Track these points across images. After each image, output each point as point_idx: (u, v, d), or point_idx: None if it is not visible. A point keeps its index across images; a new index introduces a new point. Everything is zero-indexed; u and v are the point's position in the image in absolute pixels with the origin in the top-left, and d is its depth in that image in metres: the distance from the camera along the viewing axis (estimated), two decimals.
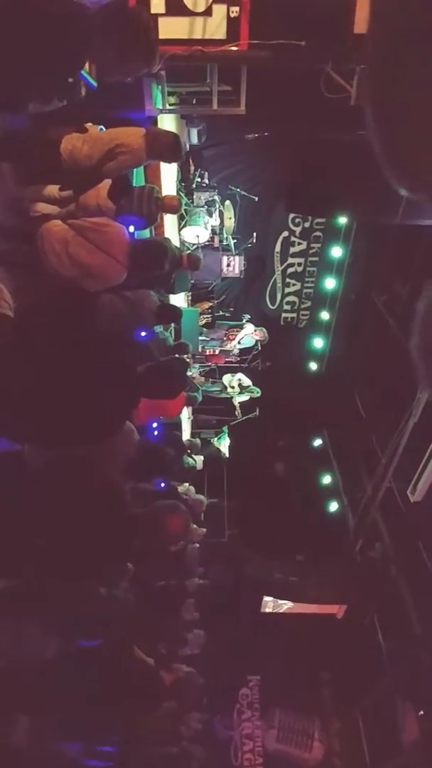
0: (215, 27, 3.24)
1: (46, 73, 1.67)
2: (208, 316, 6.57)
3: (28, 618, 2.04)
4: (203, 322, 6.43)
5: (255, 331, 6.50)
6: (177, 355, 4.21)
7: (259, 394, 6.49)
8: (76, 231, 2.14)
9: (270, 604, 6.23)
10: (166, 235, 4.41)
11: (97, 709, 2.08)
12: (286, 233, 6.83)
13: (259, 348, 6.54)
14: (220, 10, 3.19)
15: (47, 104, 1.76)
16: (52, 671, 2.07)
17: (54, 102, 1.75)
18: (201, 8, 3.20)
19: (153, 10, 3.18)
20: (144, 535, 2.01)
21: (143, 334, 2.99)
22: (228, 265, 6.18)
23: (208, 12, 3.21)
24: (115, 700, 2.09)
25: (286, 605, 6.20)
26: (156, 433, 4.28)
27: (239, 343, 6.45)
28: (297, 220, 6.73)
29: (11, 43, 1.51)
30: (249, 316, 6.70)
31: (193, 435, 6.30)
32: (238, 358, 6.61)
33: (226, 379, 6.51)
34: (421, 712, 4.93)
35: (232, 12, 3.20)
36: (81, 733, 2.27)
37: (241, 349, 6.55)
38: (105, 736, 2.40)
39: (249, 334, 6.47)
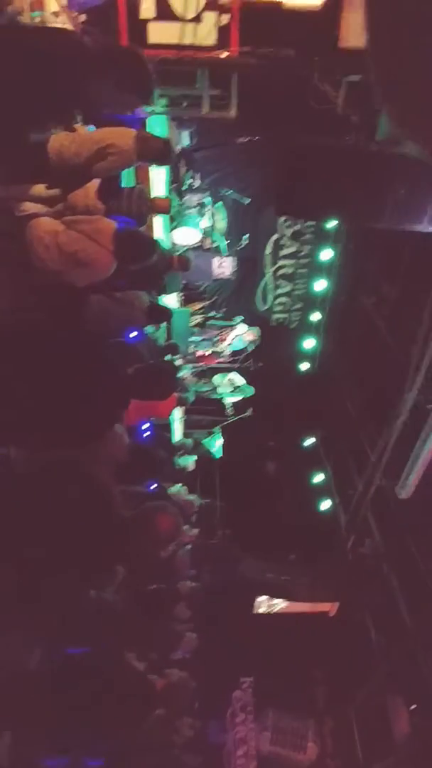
0: (206, 33, 3.30)
1: (45, 109, 1.70)
2: (200, 316, 6.59)
3: (10, 625, 2.01)
4: (195, 322, 6.45)
5: (248, 331, 6.54)
6: (167, 356, 4.21)
7: (251, 393, 6.53)
8: (66, 225, 2.14)
9: (263, 604, 6.24)
10: (157, 236, 4.42)
11: (85, 719, 2.05)
12: (276, 236, 6.90)
13: (251, 348, 6.58)
14: (209, 17, 3.25)
15: (44, 132, 1.79)
16: (36, 681, 2.04)
17: (51, 130, 1.79)
18: (191, 15, 3.25)
19: (143, 15, 3.22)
20: (135, 536, 2.01)
21: (133, 334, 2.99)
22: (219, 266, 6.22)
23: (197, 19, 3.26)
24: (104, 708, 2.06)
25: (278, 605, 6.22)
26: (147, 434, 4.27)
27: (230, 343, 6.48)
28: (287, 223, 6.81)
29: (13, 80, 1.53)
30: (242, 317, 6.74)
31: (185, 435, 6.29)
32: (230, 359, 6.64)
33: (218, 379, 6.53)
34: (413, 707, 4.98)
35: (222, 20, 3.25)
36: (68, 745, 2.22)
37: (232, 351, 6.57)
38: (93, 748, 2.35)
39: (241, 334, 6.50)
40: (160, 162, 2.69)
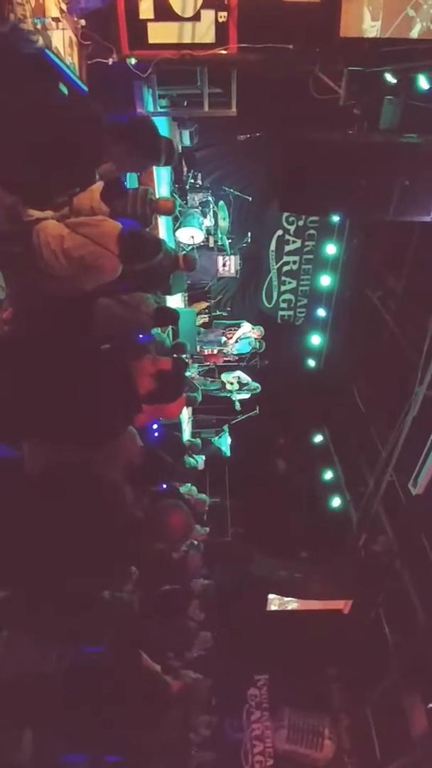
0: (204, 31, 3.29)
1: (63, 176, 1.78)
2: (206, 316, 6.60)
3: (28, 627, 2.03)
4: (201, 322, 6.45)
5: (253, 329, 6.53)
6: (175, 356, 4.22)
7: (259, 390, 6.52)
8: (71, 228, 2.15)
9: (275, 601, 6.23)
10: (161, 236, 4.43)
11: (104, 719, 2.07)
12: (280, 232, 6.87)
13: (257, 346, 6.56)
14: (208, 15, 3.24)
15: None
16: (55, 681, 2.06)
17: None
18: (189, 13, 3.24)
19: (142, 16, 3.22)
20: (148, 536, 2.02)
21: (140, 336, 3.00)
22: (224, 265, 6.22)
23: (196, 17, 3.25)
24: (121, 709, 2.08)
25: (291, 602, 6.20)
26: (156, 434, 4.28)
27: (237, 342, 6.47)
28: (291, 218, 6.77)
29: (33, 151, 1.61)
30: (244, 320, 6.74)
31: (193, 435, 6.31)
32: (237, 357, 6.64)
33: (225, 377, 6.54)
34: (430, 705, 4.93)
35: (220, 17, 3.24)
36: (87, 744, 2.24)
37: (237, 354, 6.57)
38: (112, 746, 2.38)
39: (247, 332, 6.50)
40: (163, 163, 2.69)
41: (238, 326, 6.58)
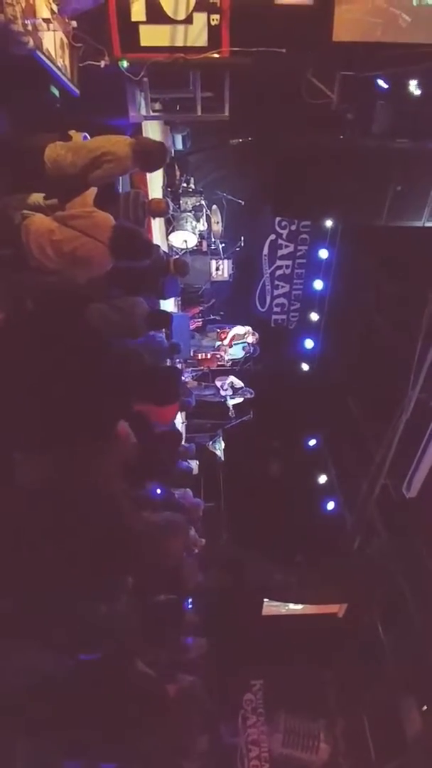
0: (196, 34, 3.27)
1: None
2: (199, 320, 6.58)
3: (23, 635, 1.99)
4: (194, 326, 6.43)
5: (246, 331, 6.52)
6: (169, 359, 4.19)
7: (252, 395, 6.51)
8: (59, 222, 2.10)
9: (270, 606, 6.20)
10: (155, 241, 4.40)
11: (100, 726, 2.04)
12: (273, 236, 6.89)
13: (251, 351, 6.56)
14: (200, 18, 3.22)
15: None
16: (50, 689, 2.02)
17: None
18: (182, 16, 3.22)
19: (134, 18, 3.19)
20: (145, 553, 2.00)
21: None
22: (217, 269, 6.21)
23: (188, 20, 3.23)
24: (118, 715, 2.05)
25: (286, 607, 6.18)
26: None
27: (230, 345, 6.46)
28: (283, 223, 6.80)
29: None
30: (238, 325, 6.73)
31: (187, 440, 6.27)
32: (231, 361, 6.63)
33: (219, 381, 6.52)
34: (424, 707, 4.95)
35: (213, 20, 3.23)
36: (83, 751, 2.21)
37: (231, 359, 6.55)
38: (108, 753, 2.34)
39: (241, 334, 6.48)
40: (156, 167, 2.68)
41: (232, 327, 6.57)
